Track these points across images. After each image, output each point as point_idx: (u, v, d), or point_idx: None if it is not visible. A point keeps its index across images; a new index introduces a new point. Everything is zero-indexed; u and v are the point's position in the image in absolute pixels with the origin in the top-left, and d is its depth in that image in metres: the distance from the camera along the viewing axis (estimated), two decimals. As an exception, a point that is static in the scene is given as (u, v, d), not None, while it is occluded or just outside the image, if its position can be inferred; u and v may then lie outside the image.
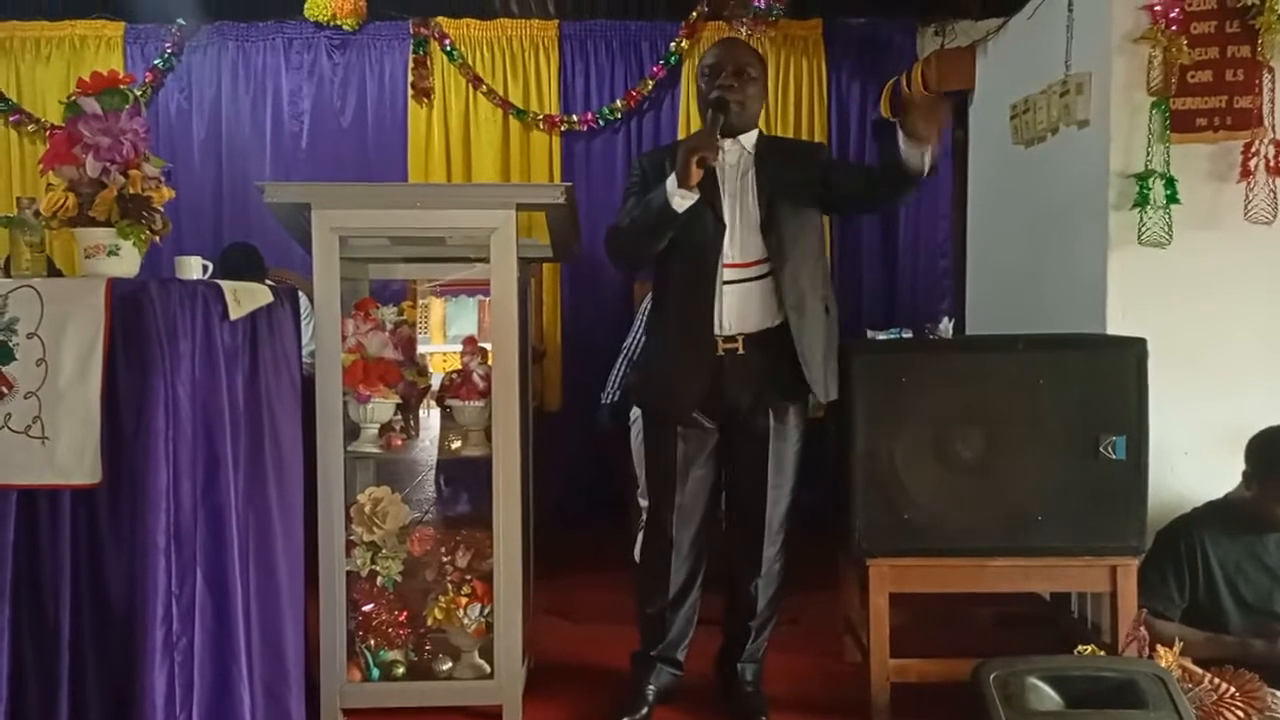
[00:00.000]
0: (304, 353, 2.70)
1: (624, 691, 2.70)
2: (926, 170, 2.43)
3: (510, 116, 4.66)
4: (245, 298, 2.18)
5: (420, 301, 4.34)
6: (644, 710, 2.64)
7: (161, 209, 2.09)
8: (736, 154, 2.62)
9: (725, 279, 2.54)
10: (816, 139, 4.56)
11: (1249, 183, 2.88)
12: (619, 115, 4.65)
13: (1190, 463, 2.90)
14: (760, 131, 2.70)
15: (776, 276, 2.53)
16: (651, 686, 2.68)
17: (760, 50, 4.51)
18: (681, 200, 2.44)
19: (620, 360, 3.92)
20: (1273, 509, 2.58)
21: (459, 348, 2.81)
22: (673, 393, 2.62)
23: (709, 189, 2.53)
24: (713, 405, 2.59)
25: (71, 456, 1.89)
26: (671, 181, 2.44)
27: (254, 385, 2.23)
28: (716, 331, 2.55)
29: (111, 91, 2.07)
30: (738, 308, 2.54)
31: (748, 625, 2.72)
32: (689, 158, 2.39)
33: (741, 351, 2.54)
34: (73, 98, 2.07)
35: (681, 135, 4.51)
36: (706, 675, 2.82)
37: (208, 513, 2.05)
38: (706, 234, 2.55)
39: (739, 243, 2.56)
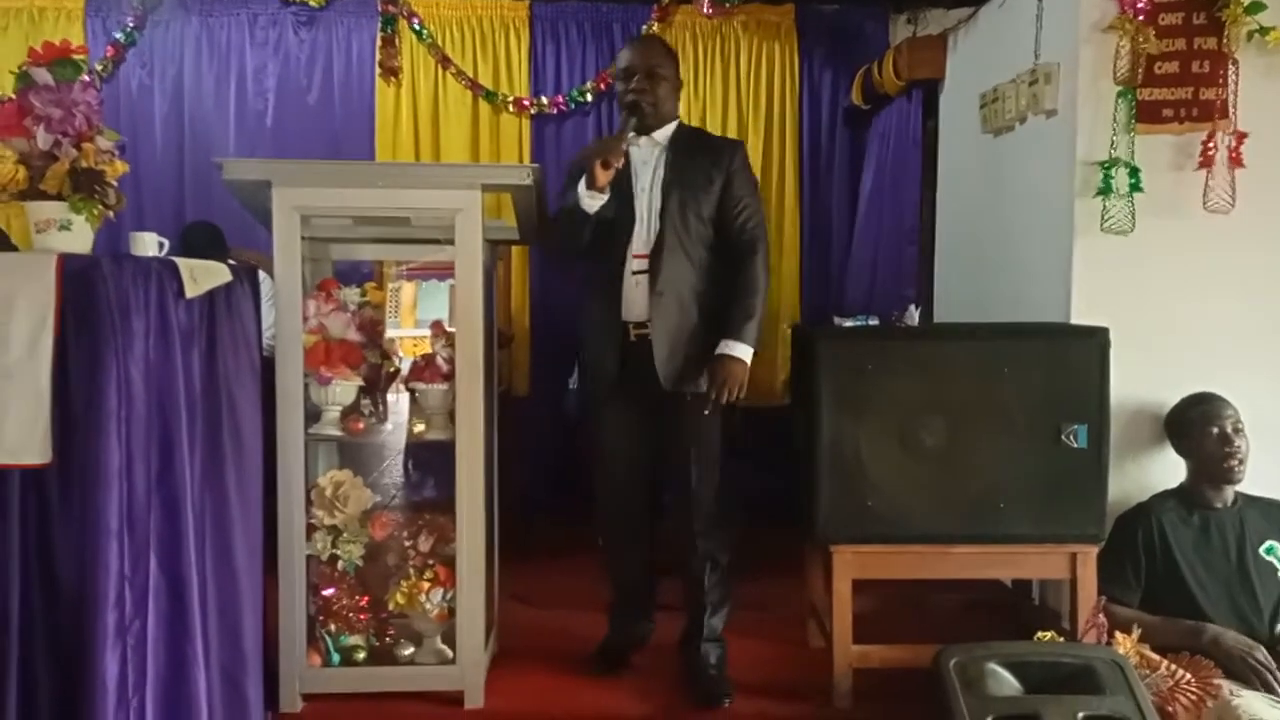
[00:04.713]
0: (266, 334, 2.66)
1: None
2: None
3: (480, 98, 4.60)
4: (203, 276, 2.13)
5: (391, 285, 4.29)
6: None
7: (115, 183, 2.04)
8: (650, 149, 2.74)
9: (633, 269, 2.67)
10: (788, 125, 4.58)
11: (1209, 172, 2.89)
12: (589, 98, 4.61)
13: (1152, 450, 2.92)
14: (680, 123, 2.81)
15: (651, 266, 2.65)
16: (626, 635, 2.91)
17: (731, 35, 4.56)
18: (591, 201, 2.60)
19: (587, 345, 3.90)
20: (1201, 485, 2.67)
21: (429, 332, 2.79)
22: (595, 375, 2.79)
23: (625, 183, 2.68)
24: (633, 387, 2.71)
25: (21, 436, 1.83)
26: (583, 184, 2.59)
27: (211, 365, 2.18)
28: (625, 318, 2.67)
29: (64, 62, 2.01)
30: (644, 297, 2.65)
31: (701, 602, 2.77)
32: (593, 162, 2.55)
33: (653, 338, 2.65)
34: (24, 68, 2.00)
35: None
36: (672, 657, 2.83)
37: (163, 495, 2.00)
38: (619, 226, 2.68)
39: (645, 234, 2.68)
